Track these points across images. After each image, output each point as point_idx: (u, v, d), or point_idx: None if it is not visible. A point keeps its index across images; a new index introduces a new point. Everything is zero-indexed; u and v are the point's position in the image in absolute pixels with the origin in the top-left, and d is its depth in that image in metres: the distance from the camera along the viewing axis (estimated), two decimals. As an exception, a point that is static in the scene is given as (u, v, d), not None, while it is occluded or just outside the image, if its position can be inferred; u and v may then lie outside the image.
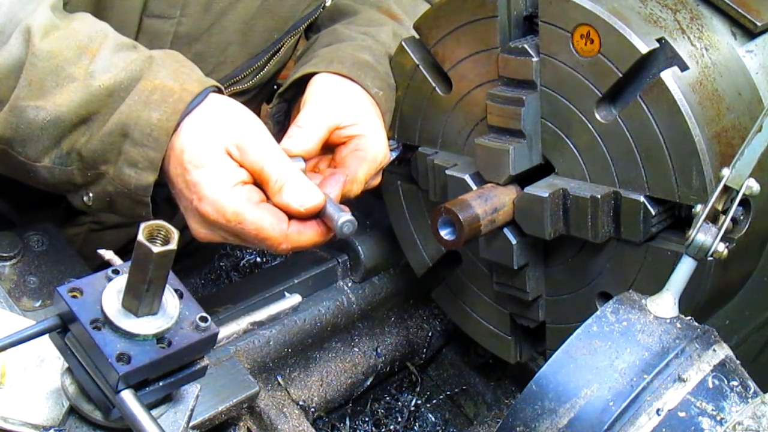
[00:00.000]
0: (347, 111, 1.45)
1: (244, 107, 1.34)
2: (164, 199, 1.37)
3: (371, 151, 1.44)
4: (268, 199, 1.31)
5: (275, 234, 1.28)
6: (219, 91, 1.35)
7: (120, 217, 1.39)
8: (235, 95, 1.67)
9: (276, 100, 1.62)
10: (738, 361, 1.10)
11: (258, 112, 1.67)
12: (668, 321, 1.09)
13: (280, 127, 1.62)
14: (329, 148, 1.47)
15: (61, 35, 1.28)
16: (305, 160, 1.39)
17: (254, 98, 1.78)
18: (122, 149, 1.28)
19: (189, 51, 1.56)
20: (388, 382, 1.87)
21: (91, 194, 1.34)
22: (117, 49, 1.30)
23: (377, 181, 1.51)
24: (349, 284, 1.79)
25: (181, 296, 0.95)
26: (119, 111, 1.27)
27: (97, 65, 1.27)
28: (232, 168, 1.28)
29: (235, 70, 1.68)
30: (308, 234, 1.31)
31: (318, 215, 1.31)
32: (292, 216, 1.31)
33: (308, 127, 1.40)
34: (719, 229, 1.10)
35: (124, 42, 1.33)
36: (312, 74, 1.51)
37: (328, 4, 1.79)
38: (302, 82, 1.53)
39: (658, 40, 1.28)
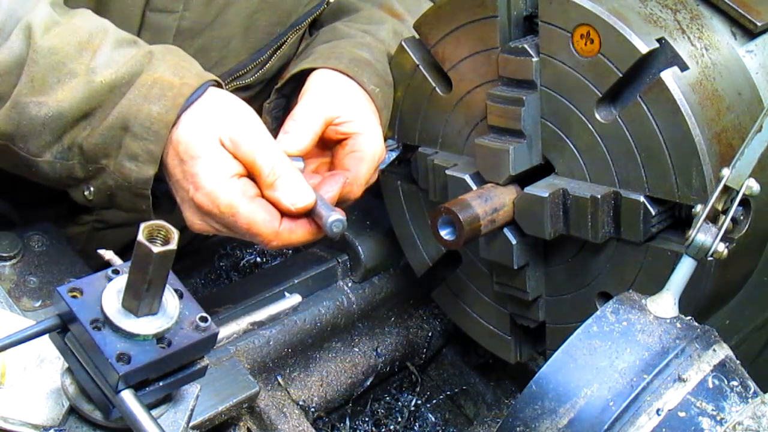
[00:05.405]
0: (343, 106, 1.45)
1: (242, 101, 1.35)
2: (164, 194, 1.37)
3: (369, 150, 1.44)
4: (262, 193, 1.31)
5: (266, 231, 1.30)
6: (218, 85, 1.35)
7: (121, 211, 1.40)
8: (238, 90, 1.68)
9: (274, 95, 1.63)
10: (738, 361, 1.10)
11: (261, 109, 1.67)
12: (668, 321, 1.09)
13: (277, 123, 1.62)
14: (326, 146, 1.47)
15: (61, 31, 1.28)
16: (304, 159, 1.39)
17: (258, 95, 1.78)
18: (123, 143, 1.29)
19: (191, 45, 1.57)
20: (388, 382, 1.87)
21: (92, 188, 1.35)
22: (117, 44, 1.31)
23: (374, 178, 1.51)
24: (349, 284, 1.79)
25: (181, 296, 0.95)
26: (120, 105, 1.28)
27: (98, 61, 1.28)
28: (228, 159, 1.29)
29: (238, 65, 1.68)
30: (299, 232, 1.33)
31: (309, 214, 1.32)
32: (284, 212, 1.31)
33: (303, 121, 1.41)
34: (719, 229, 1.10)
35: (125, 37, 1.33)
36: (310, 70, 1.52)
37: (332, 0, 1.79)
38: (300, 78, 1.54)
39: (658, 40, 1.28)
